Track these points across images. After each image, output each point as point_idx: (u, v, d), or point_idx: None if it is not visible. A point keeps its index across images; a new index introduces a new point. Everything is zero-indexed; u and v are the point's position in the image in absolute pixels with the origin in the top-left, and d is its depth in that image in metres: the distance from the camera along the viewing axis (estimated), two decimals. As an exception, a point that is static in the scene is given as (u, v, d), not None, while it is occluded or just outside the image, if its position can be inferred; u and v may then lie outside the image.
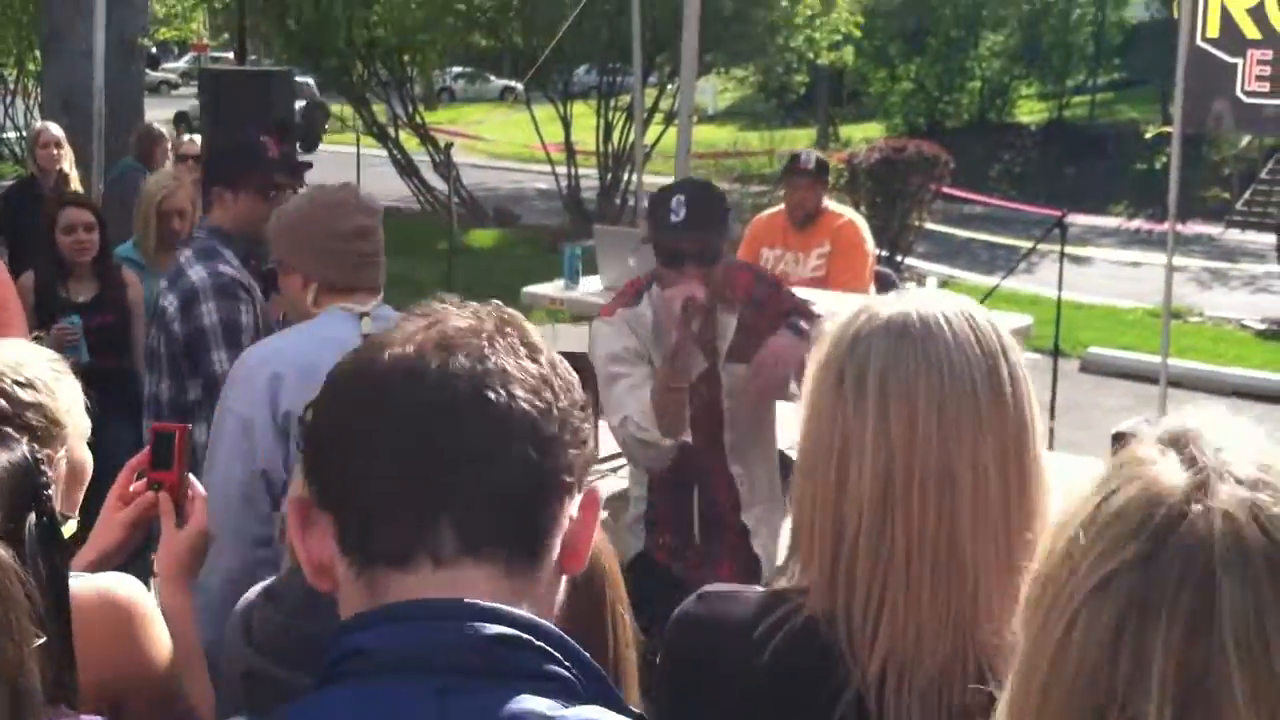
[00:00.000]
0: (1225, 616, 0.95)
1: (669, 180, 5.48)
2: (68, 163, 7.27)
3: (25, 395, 1.95)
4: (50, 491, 1.74)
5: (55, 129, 7.39)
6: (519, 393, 1.10)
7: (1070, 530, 1.05)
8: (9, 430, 1.78)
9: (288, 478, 2.82)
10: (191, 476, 2.15)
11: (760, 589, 1.66)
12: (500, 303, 1.19)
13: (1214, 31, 6.41)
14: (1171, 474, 1.02)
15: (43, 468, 1.73)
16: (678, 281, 3.44)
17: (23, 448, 1.71)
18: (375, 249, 3.11)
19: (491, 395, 1.09)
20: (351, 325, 2.94)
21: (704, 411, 3.60)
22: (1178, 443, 1.04)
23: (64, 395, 2.02)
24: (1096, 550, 1.01)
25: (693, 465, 3.61)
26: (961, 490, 1.51)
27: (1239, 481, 1.00)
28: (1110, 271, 14.96)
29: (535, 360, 1.14)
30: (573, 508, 1.15)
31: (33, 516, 1.62)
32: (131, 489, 2.13)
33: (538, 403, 1.11)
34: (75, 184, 7.18)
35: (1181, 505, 0.99)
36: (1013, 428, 1.55)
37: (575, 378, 1.18)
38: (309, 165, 4.36)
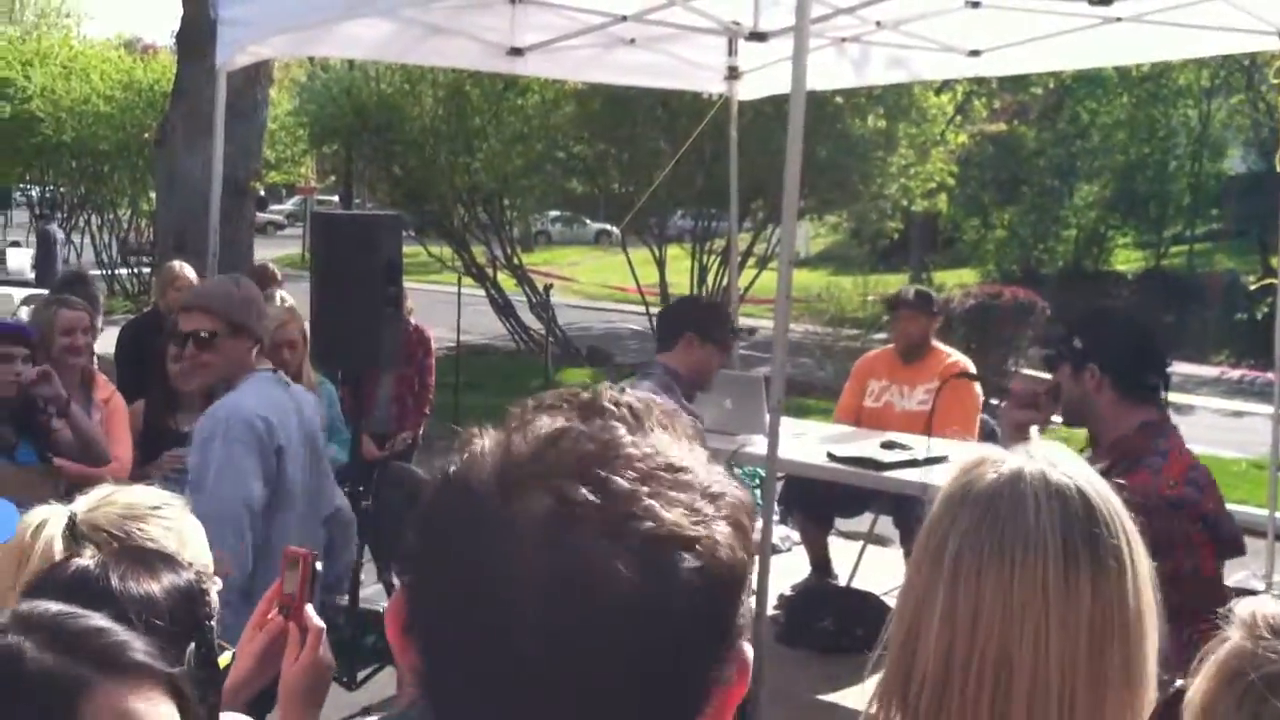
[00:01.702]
0: None
1: (764, 323, 5.56)
2: None
3: (149, 531, 1.98)
4: (213, 622, 1.78)
5: (191, 272, 7.55)
6: (673, 578, 0.93)
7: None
8: (179, 557, 1.82)
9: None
10: (310, 608, 2.16)
11: None
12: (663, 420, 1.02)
13: (1317, 184, 6.39)
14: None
15: (208, 598, 1.77)
16: None
17: (189, 574, 1.75)
18: None
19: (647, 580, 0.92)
20: (284, 386, 4.06)
21: None
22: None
23: (187, 533, 2.05)
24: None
25: None
26: (1019, 679, 1.49)
27: None
28: (1213, 421, 14.67)
29: (698, 522, 0.95)
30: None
31: (193, 646, 1.66)
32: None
33: (695, 591, 0.93)
34: None
35: None
36: (1089, 621, 1.51)
37: (747, 524, 0.99)
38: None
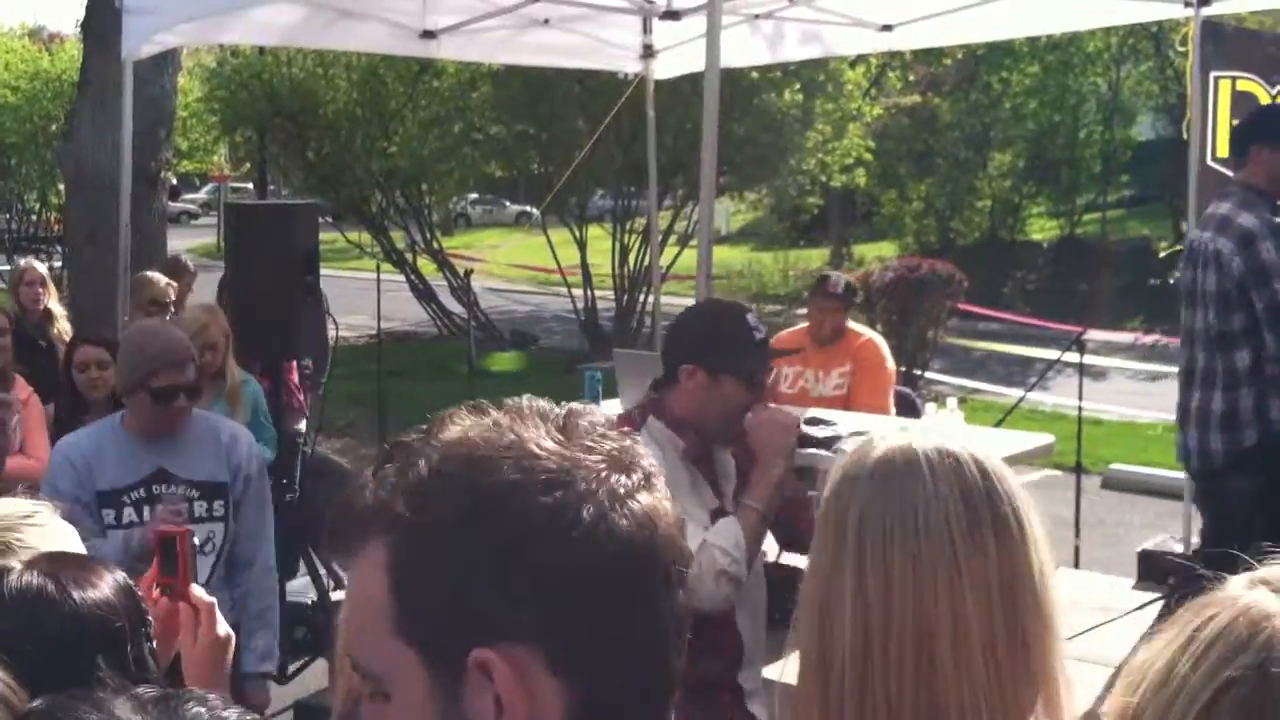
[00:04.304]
0: None
1: (686, 302, 5.52)
2: (53, 300, 7.18)
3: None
4: (150, 614, 1.76)
5: (40, 267, 7.31)
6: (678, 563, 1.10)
7: (1162, 660, 1.09)
8: (99, 557, 1.79)
9: None
10: (196, 587, 2.14)
11: None
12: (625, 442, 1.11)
13: (1223, 151, 6.49)
14: (1267, 599, 1.08)
15: (139, 593, 1.75)
16: (754, 400, 3.37)
17: (120, 572, 1.73)
18: None
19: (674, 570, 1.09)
20: None
21: None
22: (1262, 581, 1.09)
23: (61, 538, 2.00)
24: (1203, 669, 1.06)
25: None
26: (940, 646, 1.50)
27: None
28: (1127, 386, 14.93)
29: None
30: None
31: (145, 641, 1.66)
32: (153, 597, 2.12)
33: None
34: (61, 322, 7.10)
35: None
36: (999, 576, 1.52)
37: None
38: None
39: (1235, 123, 5.91)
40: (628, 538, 1.03)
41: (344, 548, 1.08)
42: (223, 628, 2.14)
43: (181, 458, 4.10)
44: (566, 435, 1.06)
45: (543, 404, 1.10)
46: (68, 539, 1.99)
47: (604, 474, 1.05)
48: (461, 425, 1.07)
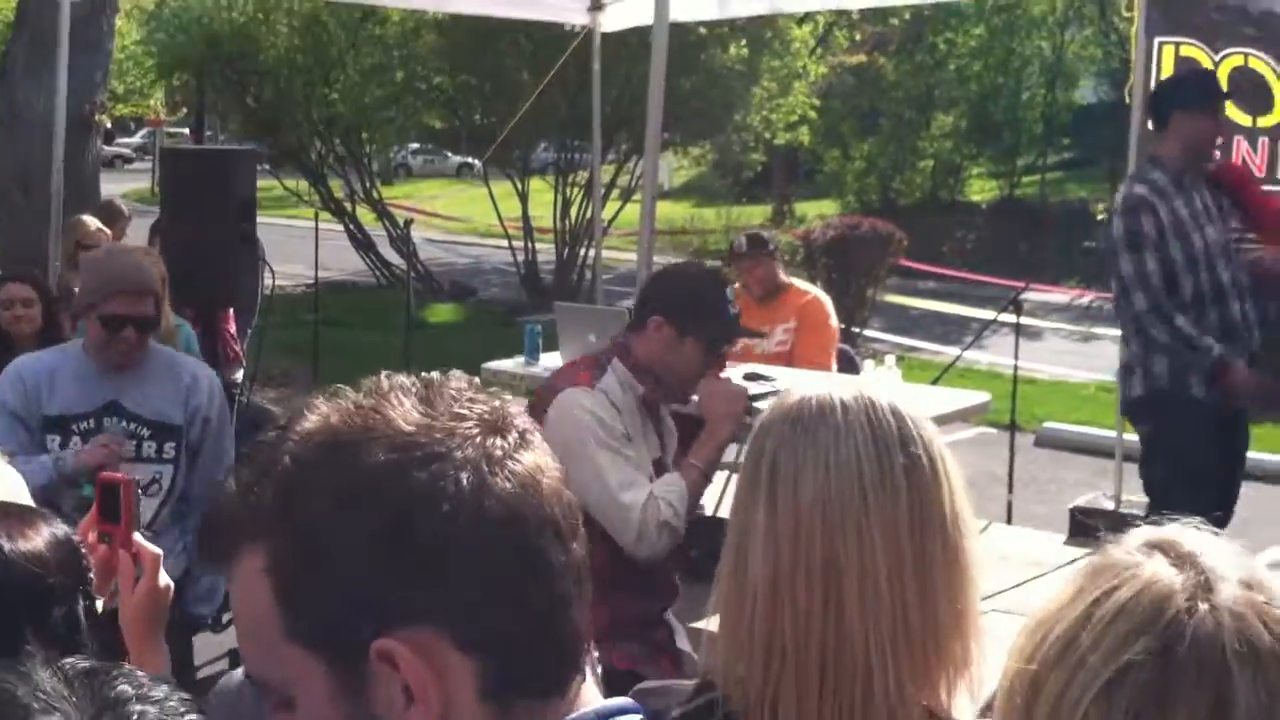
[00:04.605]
0: (1240, 708, 1.00)
1: (627, 256, 5.51)
2: None
3: None
4: (92, 573, 1.72)
5: None
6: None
7: (1061, 629, 1.06)
8: (45, 510, 1.74)
9: None
10: (138, 535, 2.13)
11: (689, 683, 1.66)
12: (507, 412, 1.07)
13: (1163, 115, 6.54)
14: (1168, 574, 1.05)
15: (83, 549, 1.70)
16: (710, 367, 3.57)
17: (63, 525, 1.68)
18: None
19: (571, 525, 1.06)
20: None
21: None
22: (1160, 547, 1.08)
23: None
24: (1104, 647, 1.03)
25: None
26: (848, 583, 1.52)
27: (1235, 583, 1.05)
28: (1062, 346, 15.10)
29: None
30: None
31: (82, 600, 1.61)
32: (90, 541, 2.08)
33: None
34: None
35: (1188, 603, 1.03)
36: (909, 518, 1.55)
37: None
38: None
39: (1154, 88, 5.96)
40: (512, 500, 1.00)
41: (218, 560, 1.03)
42: (163, 578, 2.11)
43: (138, 392, 3.98)
44: (432, 406, 1.02)
45: (401, 379, 1.05)
46: (16, 488, 1.96)
47: (478, 439, 1.01)
48: (320, 414, 1.02)
